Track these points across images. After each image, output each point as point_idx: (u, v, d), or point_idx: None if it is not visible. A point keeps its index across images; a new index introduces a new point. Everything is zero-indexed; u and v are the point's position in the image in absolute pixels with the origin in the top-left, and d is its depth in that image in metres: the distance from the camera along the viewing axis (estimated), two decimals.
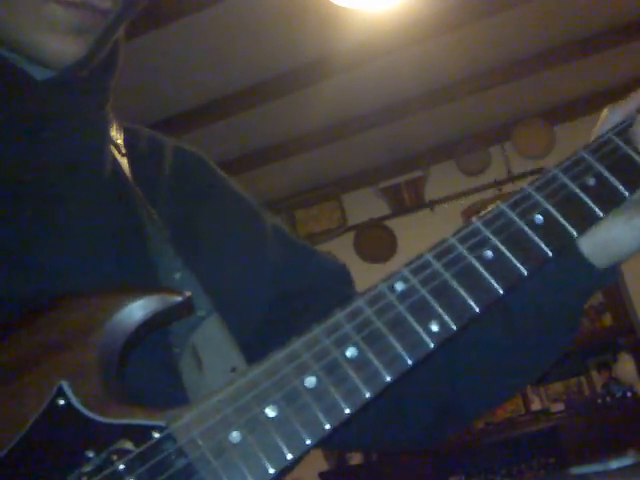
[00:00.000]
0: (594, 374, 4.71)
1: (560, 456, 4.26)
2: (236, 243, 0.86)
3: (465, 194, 4.93)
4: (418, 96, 4.22)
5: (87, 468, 0.53)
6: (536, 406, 4.72)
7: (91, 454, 0.54)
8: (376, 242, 5.12)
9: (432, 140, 4.93)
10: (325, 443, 0.88)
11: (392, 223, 5.18)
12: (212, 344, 0.73)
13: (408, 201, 5.15)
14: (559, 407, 4.62)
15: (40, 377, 0.57)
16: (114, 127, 0.83)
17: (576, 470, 2.73)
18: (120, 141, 0.83)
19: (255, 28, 3.28)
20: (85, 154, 0.74)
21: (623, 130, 0.70)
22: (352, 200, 5.27)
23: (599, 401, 4.47)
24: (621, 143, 0.69)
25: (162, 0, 2.94)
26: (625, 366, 4.52)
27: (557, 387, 4.78)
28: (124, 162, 0.81)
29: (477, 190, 4.91)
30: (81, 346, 0.59)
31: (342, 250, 5.19)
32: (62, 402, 0.56)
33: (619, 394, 4.42)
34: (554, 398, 4.73)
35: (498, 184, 4.88)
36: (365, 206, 5.23)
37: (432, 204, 5.04)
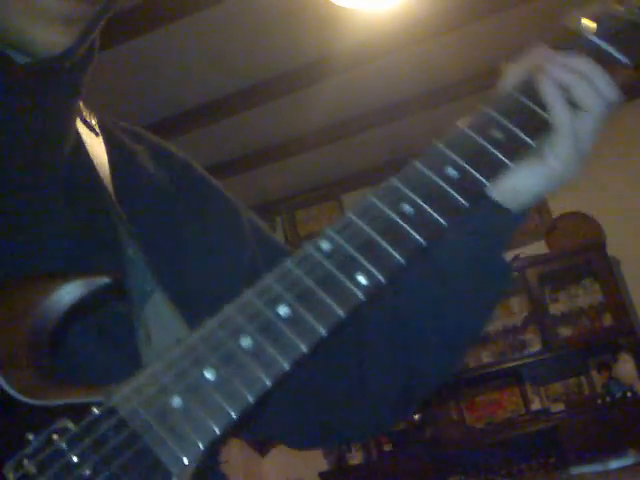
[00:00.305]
0: (594, 374, 4.71)
1: (560, 456, 4.26)
2: (212, 237, 0.87)
3: None
4: (418, 96, 4.22)
5: (27, 450, 0.53)
6: (536, 406, 4.72)
7: (31, 437, 0.54)
8: None
9: (432, 140, 4.91)
10: (297, 443, 0.90)
11: None
12: (159, 318, 0.74)
13: None
14: (559, 407, 4.63)
15: None
16: (89, 114, 0.84)
17: (576, 470, 2.73)
18: (94, 122, 0.84)
19: (255, 28, 3.28)
20: (45, 135, 0.74)
21: (525, 85, 0.76)
22: (352, 200, 5.27)
23: (599, 401, 4.47)
24: (524, 98, 0.75)
25: (162, 0, 2.94)
26: (625, 366, 4.52)
27: (557, 387, 4.78)
28: (97, 143, 0.82)
29: None
30: (9, 335, 0.59)
31: None
32: None
33: (619, 394, 4.42)
34: (554, 398, 4.73)
35: None
36: None
37: None
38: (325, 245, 0.63)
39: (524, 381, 4.79)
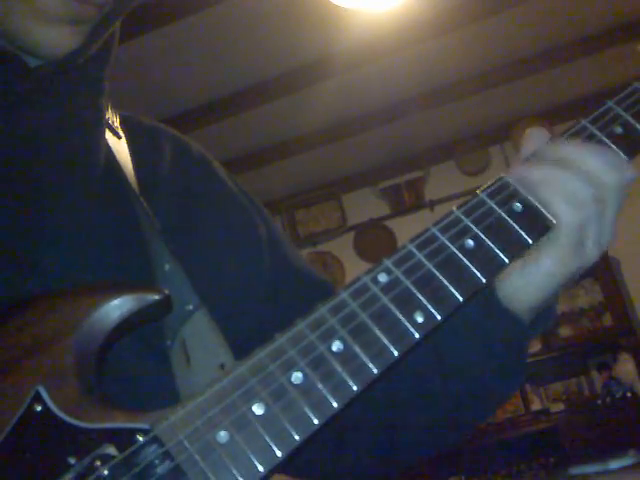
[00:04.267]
0: (594, 374, 4.71)
1: (560, 456, 4.25)
2: (231, 241, 0.84)
3: (465, 194, 4.93)
4: (418, 96, 4.22)
5: (69, 475, 0.52)
6: (536, 406, 4.72)
7: (73, 460, 0.52)
8: (376, 242, 5.12)
9: (432, 140, 4.92)
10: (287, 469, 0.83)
11: (392, 223, 5.18)
12: (200, 339, 0.71)
13: (408, 201, 5.15)
14: (559, 407, 4.62)
15: (16, 382, 0.55)
16: (110, 111, 0.82)
17: (576, 470, 2.73)
18: (117, 124, 0.82)
19: (255, 28, 3.28)
20: (79, 144, 0.73)
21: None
22: (352, 200, 5.27)
23: (599, 401, 4.47)
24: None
25: (163, 0, 2.94)
26: (625, 366, 4.52)
27: (557, 387, 4.78)
28: (121, 146, 0.80)
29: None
30: (57, 349, 0.57)
31: (342, 250, 5.19)
32: (39, 408, 0.54)
33: (619, 394, 4.42)
34: (554, 398, 4.73)
35: None
36: (365, 206, 5.23)
37: (432, 204, 5.04)
38: (382, 277, 0.61)
39: (524, 381, 4.78)
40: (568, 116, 4.59)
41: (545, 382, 4.79)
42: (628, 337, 4.53)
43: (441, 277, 0.61)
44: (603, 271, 4.55)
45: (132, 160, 0.80)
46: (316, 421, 0.55)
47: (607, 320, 4.63)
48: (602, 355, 4.69)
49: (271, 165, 4.62)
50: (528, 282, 0.69)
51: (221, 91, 3.80)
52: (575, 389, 4.75)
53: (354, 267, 5.04)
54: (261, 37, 3.35)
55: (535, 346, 4.67)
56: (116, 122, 0.83)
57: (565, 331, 4.68)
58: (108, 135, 0.79)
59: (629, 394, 4.39)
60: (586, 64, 4.13)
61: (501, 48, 3.92)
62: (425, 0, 3.30)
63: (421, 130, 4.67)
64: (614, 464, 2.61)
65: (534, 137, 0.73)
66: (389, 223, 5.20)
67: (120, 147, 0.80)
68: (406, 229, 5.00)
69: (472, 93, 4.25)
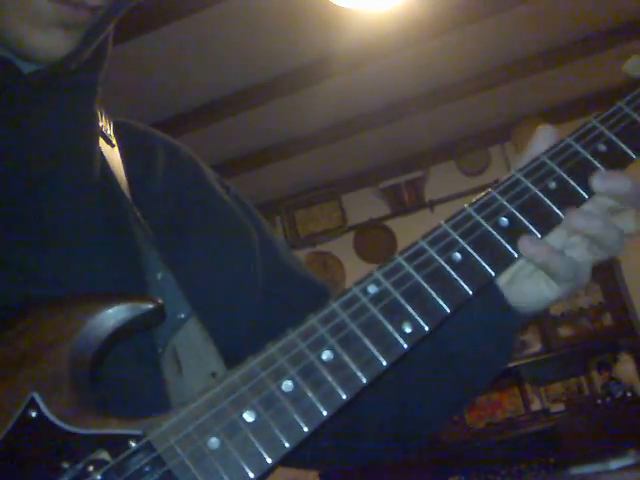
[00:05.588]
0: (594, 374, 4.71)
1: (560, 456, 4.26)
2: (222, 249, 0.84)
3: (465, 194, 4.93)
4: (418, 96, 4.22)
5: None
6: (536, 406, 4.72)
7: (66, 465, 0.53)
8: (376, 242, 5.12)
9: (432, 140, 4.92)
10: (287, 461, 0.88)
11: (392, 223, 5.19)
12: (192, 348, 0.72)
13: (408, 201, 5.16)
14: (559, 407, 4.63)
15: (11, 389, 0.56)
16: (103, 119, 0.82)
17: (576, 470, 2.73)
18: (110, 132, 0.82)
19: (255, 29, 3.28)
20: (73, 151, 0.73)
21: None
22: (352, 200, 5.28)
23: (599, 401, 4.48)
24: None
25: (163, 0, 2.94)
26: (625, 366, 4.53)
27: (557, 387, 4.78)
28: (114, 154, 0.80)
29: (477, 190, 4.89)
30: (52, 357, 0.58)
31: (342, 250, 5.19)
32: (34, 414, 0.55)
33: (619, 394, 4.42)
34: (554, 398, 4.74)
35: None
36: (365, 206, 5.23)
37: (432, 204, 5.05)
38: (372, 289, 0.63)
39: (524, 381, 4.79)
40: (568, 116, 4.59)
41: (545, 382, 4.79)
42: (628, 337, 4.54)
43: (429, 289, 0.63)
44: (603, 271, 4.56)
45: (125, 168, 0.80)
46: (306, 428, 0.56)
47: (607, 320, 4.63)
48: (602, 355, 4.70)
49: (271, 165, 4.62)
50: (535, 296, 0.73)
51: (221, 91, 3.80)
52: (575, 389, 4.76)
53: (354, 267, 5.04)
54: (261, 37, 3.35)
55: (535, 346, 4.67)
56: (109, 130, 0.82)
57: (565, 331, 4.69)
58: (101, 143, 0.79)
59: (629, 394, 4.40)
60: (586, 64, 4.13)
61: (501, 48, 3.92)
62: (425, 0, 3.30)
63: (421, 130, 4.67)
64: (614, 464, 2.61)
65: (543, 135, 0.73)
66: (389, 223, 5.20)
67: (113, 155, 0.80)
68: (406, 229, 5.01)
69: (472, 93, 4.25)
